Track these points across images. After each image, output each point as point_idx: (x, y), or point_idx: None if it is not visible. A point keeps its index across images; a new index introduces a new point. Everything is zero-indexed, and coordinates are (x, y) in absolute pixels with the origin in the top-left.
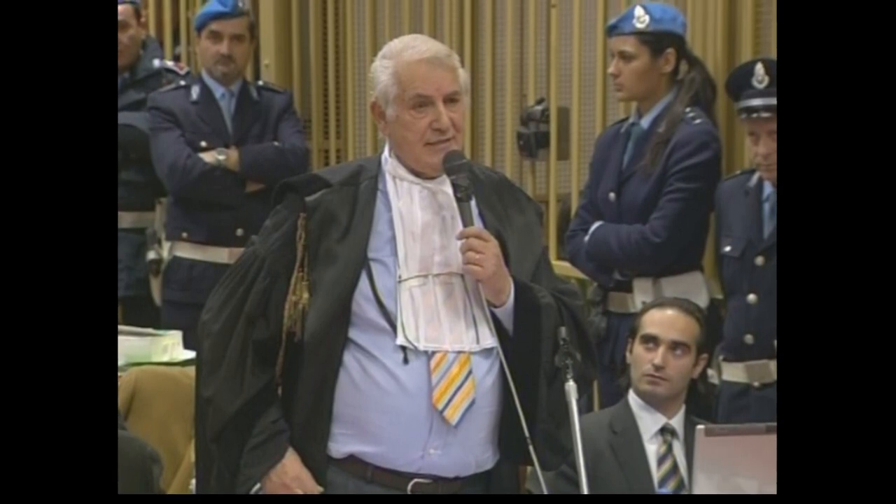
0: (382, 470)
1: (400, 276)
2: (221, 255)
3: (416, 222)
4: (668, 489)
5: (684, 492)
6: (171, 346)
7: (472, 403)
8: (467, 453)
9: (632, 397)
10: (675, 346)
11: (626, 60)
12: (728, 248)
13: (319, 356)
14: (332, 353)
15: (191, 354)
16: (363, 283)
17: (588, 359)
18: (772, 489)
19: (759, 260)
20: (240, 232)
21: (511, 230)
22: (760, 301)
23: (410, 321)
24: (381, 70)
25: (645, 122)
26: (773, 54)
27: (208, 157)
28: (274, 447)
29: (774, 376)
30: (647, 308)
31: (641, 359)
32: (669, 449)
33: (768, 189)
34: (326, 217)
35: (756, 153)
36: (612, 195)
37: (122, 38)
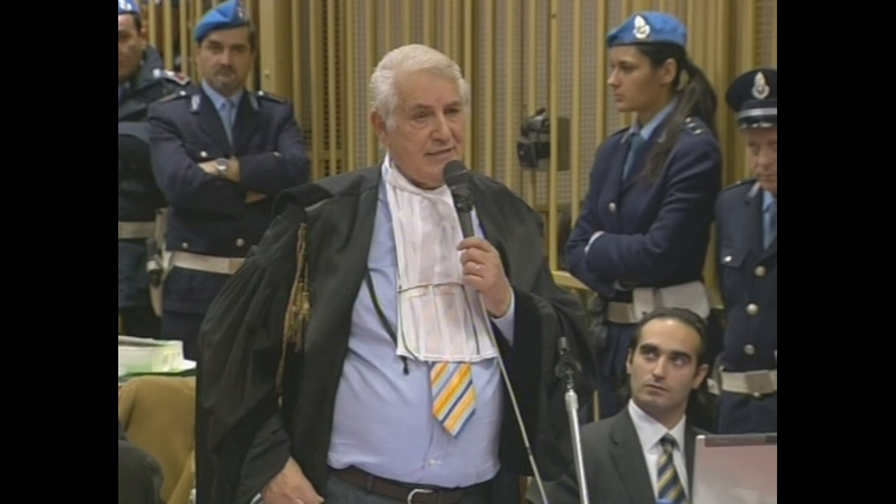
0: (383, 480)
1: (400, 287)
2: (222, 265)
3: (417, 233)
4: (668, 500)
5: (685, 502)
6: (171, 357)
7: (473, 414)
8: (468, 464)
9: (632, 408)
10: (675, 356)
11: (626, 71)
12: (728, 259)
13: (320, 366)
14: (332, 363)
15: (191, 365)
16: (363, 293)
17: (588, 369)
18: (772, 500)
19: (760, 270)
20: (240, 242)
21: (511, 240)
22: (761, 311)
23: (411, 332)
24: (382, 80)
25: (645, 133)
26: (774, 65)
27: (209, 167)
28: (274, 457)
29: (775, 387)
30: (647, 318)
31: (642, 369)
32: (670, 459)
33: (769, 199)
34: (327, 227)
35: (756, 163)
36: (612, 205)
37: (123, 48)
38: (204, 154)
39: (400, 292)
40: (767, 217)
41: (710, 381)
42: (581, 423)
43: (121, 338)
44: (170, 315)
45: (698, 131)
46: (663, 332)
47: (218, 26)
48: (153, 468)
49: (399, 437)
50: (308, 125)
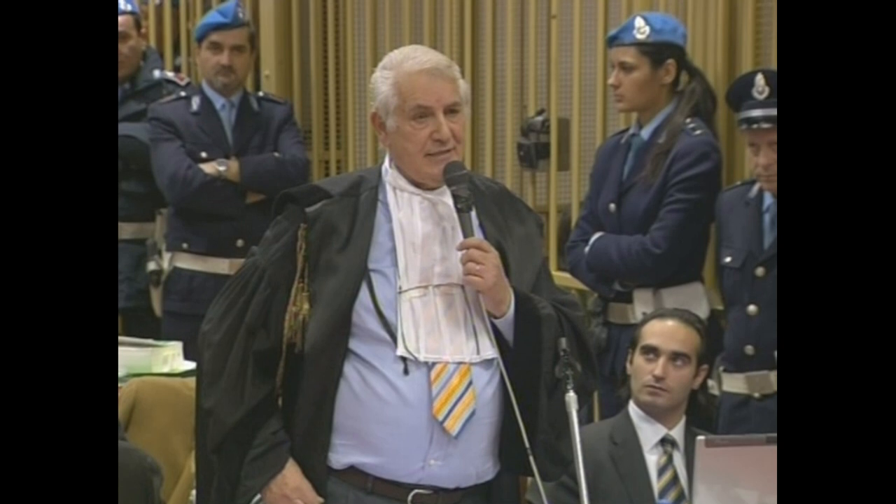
0: (383, 481)
1: (400, 287)
2: (222, 265)
3: (417, 233)
4: (668, 500)
5: (685, 503)
6: (171, 357)
7: (473, 414)
8: (468, 464)
9: (632, 408)
10: (675, 356)
11: (626, 71)
12: (728, 259)
13: (320, 367)
14: (332, 363)
15: (191, 365)
16: (363, 293)
17: (588, 370)
18: (772, 500)
19: (760, 271)
20: (240, 243)
21: (511, 241)
22: (761, 312)
23: (411, 332)
24: (382, 81)
25: (645, 133)
26: (774, 65)
27: (209, 168)
28: (274, 458)
29: (775, 387)
30: (647, 319)
31: (642, 370)
32: (670, 460)
33: (769, 200)
34: (327, 228)
35: (756, 164)
36: (612, 206)
37: (123, 48)
38: (204, 154)
39: (400, 293)
40: (767, 217)
41: (710, 382)
42: (581, 423)
43: (121, 338)
44: (170, 315)
45: (698, 132)
46: (663, 332)
47: (218, 27)
48: (153, 469)
49: (399, 438)
50: (308, 125)
